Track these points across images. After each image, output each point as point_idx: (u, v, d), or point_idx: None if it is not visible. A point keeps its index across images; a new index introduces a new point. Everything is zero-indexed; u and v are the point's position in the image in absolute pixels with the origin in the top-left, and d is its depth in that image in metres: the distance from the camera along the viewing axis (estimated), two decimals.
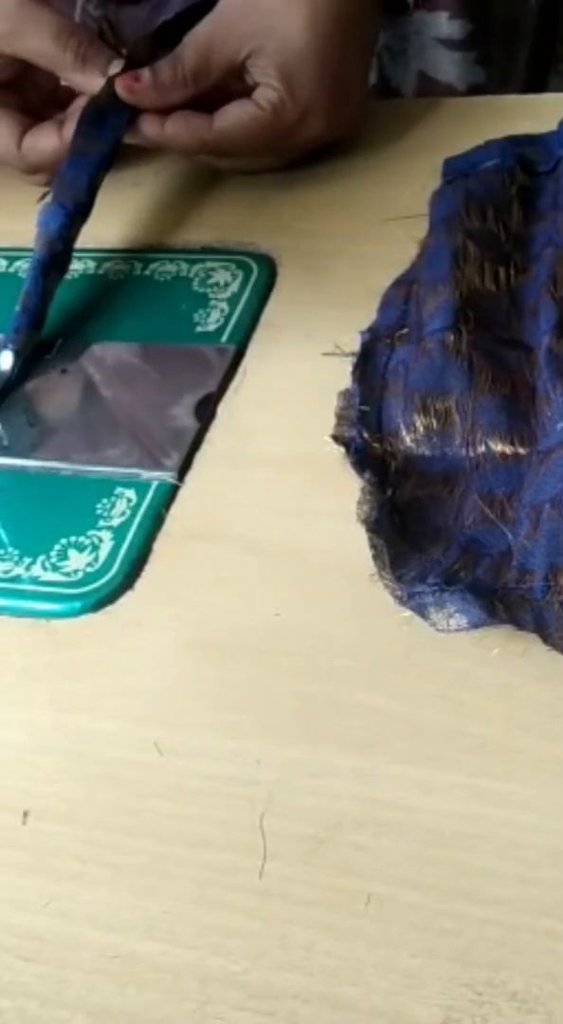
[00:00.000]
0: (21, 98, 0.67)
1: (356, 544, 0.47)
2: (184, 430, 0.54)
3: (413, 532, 0.47)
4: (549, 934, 0.37)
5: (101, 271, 0.64)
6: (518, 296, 0.55)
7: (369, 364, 0.54)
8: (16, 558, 0.50)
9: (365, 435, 0.51)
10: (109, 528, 0.51)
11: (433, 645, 0.44)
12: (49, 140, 0.64)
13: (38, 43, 0.63)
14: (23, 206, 0.67)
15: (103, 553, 0.50)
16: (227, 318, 0.60)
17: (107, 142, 0.63)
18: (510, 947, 0.36)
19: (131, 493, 0.52)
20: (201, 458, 0.53)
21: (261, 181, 0.66)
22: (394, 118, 0.70)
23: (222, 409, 0.55)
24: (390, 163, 0.66)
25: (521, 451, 0.48)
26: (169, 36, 0.63)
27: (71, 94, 0.66)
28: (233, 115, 0.62)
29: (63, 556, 0.50)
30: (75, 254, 0.62)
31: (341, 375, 0.54)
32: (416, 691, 0.43)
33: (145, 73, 0.62)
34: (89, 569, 0.49)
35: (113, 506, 0.51)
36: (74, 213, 0.61)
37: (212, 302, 0.61)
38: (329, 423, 0.52)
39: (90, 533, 0.51)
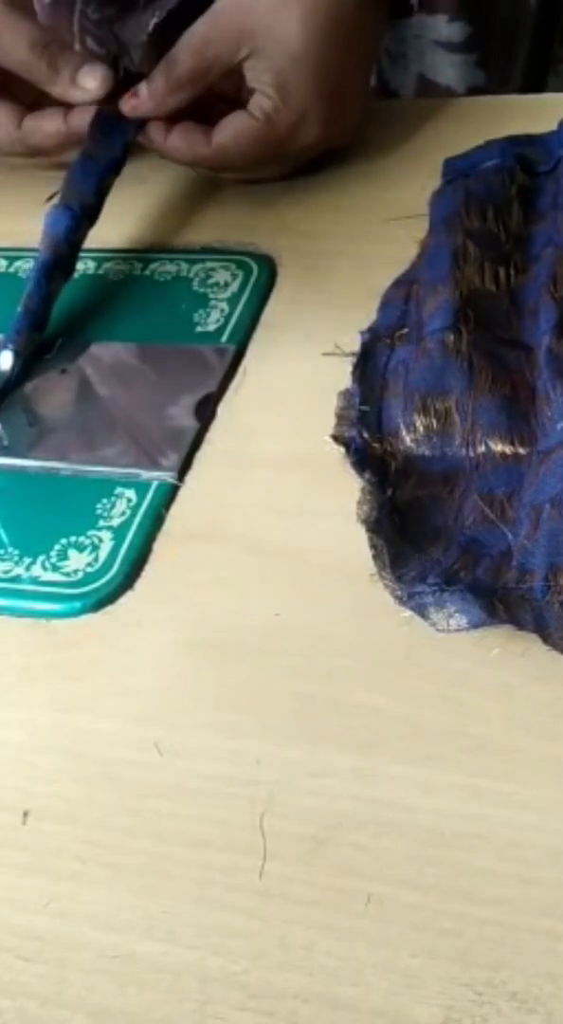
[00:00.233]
0: (15, 98, 0.67)
1: (356, 544, 0.47)
2: (184, 430, 0.54)
3: (413, 532, 0.47)
4: (549, 934, 0.37)
5: (101, 271, 0.64)
6: (518, 296, 0.55)
7: (369, 364, 0.54)
8: (16, 558, 0.50)
9: (365, 435, 0.51)
10: (109, 528, 0.51)
11: (433, 645, 0.44)
12: (52, 122, 0.64)
13: (15, 53, 0.63)
14: (23, 206, 0.67)
15: (103, 553, 0.50)
16: (227, 318, 0.60)
17: (117, 147, 0.63)
18: (510, 947, 0.36)
19: (131, 493, 0.52)
20: (201, 458, 0.53)
21: (261, 181, 0.66)
22: (394, 119, 0.70)
23: (222, 409, 0.55)
24: (390, 163, 0.66)
25: (521, 451, 0.48)
26: (165, 37, 0.63)
27: None
28: (230, 127, 0.62)
29: (63, 556, 0.50)
30: (78, 254, 0.62)
31: (341, 375, 0.54)
32: (416, 691, 0.43)
33: (142, 88, 0.63)
34: (89, 569, 0.49)
35: (113, 506, 0.51)
36: (81, 216, 0.61)
37: (212, 302, 0.61)
38: (329, 423, 0.52)
39: (90, 533, 0.51)
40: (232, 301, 0.61)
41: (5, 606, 0.49)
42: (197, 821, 0.41)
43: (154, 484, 0.52)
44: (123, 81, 0.64)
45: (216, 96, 0.64)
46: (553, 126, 0.62)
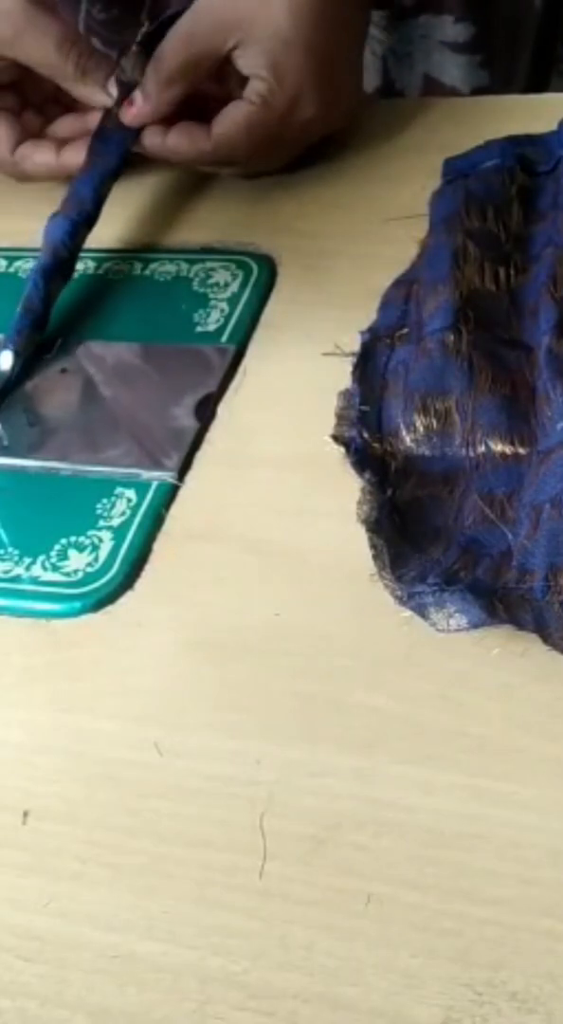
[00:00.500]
0: (23, 98, 0.67)
1: (356, 544, 0.47)
2: (184, 430, 0.54)
3: (413, 532, 0.47)
4: (549, 934, 0.37)
5: (101, 271, 0.64)
6: (518, 296, 0.55)
7: (369, 364, 0.54)
8: (16, 558, 0.50)
9: (365, 435, 0.51)
10: (109, 528, 0.51)
11: (433, 645, 0.44)
12: (44, 156, 0.65)
13: (40, 51, 0.63)
14: (23, 205, 0.67)
15: (103, 553, 0.50)
16: (227, 318, 0.60)
17: (114, 155, 0.63)
18: (510, 947, 0.36)
19: (131, 493, 0.52)
20: (201, 458, 0.53)
21: (261, 181, 0.66)
22: (394, 118, 0.70)
23: (222, 409, 0.55)
24: (390, 163, 0.66)
25: (521, 451, 0.48)
26: (154, 46, 0.63)
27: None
28: (228, 117, 0.62)
29: (63, 556, 0.50)
30: (78, 254, 0.62)
31: (341, 375, 0.54)
32: (416, 691, 0.43)
33: (136, 95, 0.63)
34: (89, 569, 0.49)
35: (113, 506, 0.51)
36: (79, 221, 0.61)
37: (212, 302, 0.61)
38: (329, 423, 0.52)
39: (90, 533, 0.51)
40: (232, 301, 0.61)
41: (5, 606, 0.49)
42: (197, 821, 0.41)
43: (154, 484, 0.52)
44: (119, 91, 0.64)
45: (205, 98, 0.64)
46: (553, 126, 0.62)
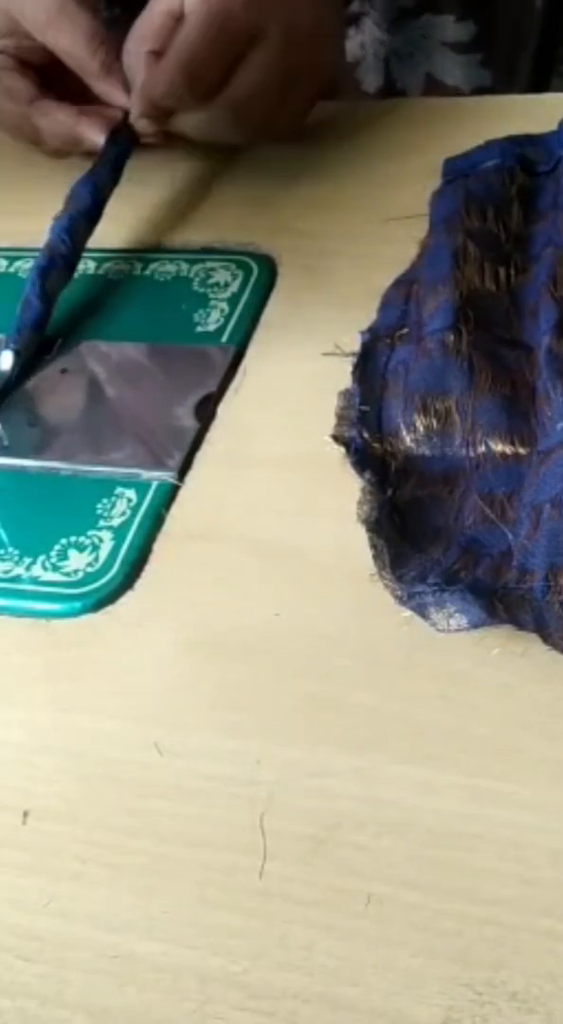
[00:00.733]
0: (47, 82, 0.66)
1: (356, 544, 0.47)
2: (184, 430, 0.54)
3: (413, 532, 0.47)
4: (549, 934, 0.37)
5: (101, 271, 0.64)
6: (518, 296, 0.55)
7: (369, 364, 0.54)
8: (16, 558, 0.50)
9: (365, 435, 0.51)
10: (109, 528, 0.51)
11: (433, 645, 0.44)
12: (63, 114, 0.65)
13: (70, 43, 0.63)
14: (24, 205, 0.67)
15: (103, 553, 0.50)
16: (227, 318, 0.60)
17: (116, 160, 0.64)
18: (510, 947, 0.36)
19: (131, 493, 0.52)
20: (201, 458, 0.53)
21: (261, 181, 0.67)
22: (394, 118, 0.70)
23: (222, 409, 0.55)
24: (390, 163, 0.66)
25: (521, 451, 0.48)
26: None
27: None
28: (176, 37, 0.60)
29: (63, 556, 0.50)
30: (80, 254, 0.62)
31: (341, 375, 0.54)
32: (416, 691, 0.43)
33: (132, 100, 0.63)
34: (89, 569, 0.49)
35: (113, 506, 0.52)
36: (76, 217, 0.61)
37: (212, 302, 0.61)
38: (329, 423, 0.52)
39: (90, 533, 0.51)
40: (232, 301, 0.61)
41: (5, 606, 0.49)
42: (197, 821, 0.41)
43: (154, 484, 0.52)
44: None
45: None
46: (553, 126, 0.62)
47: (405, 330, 0.55)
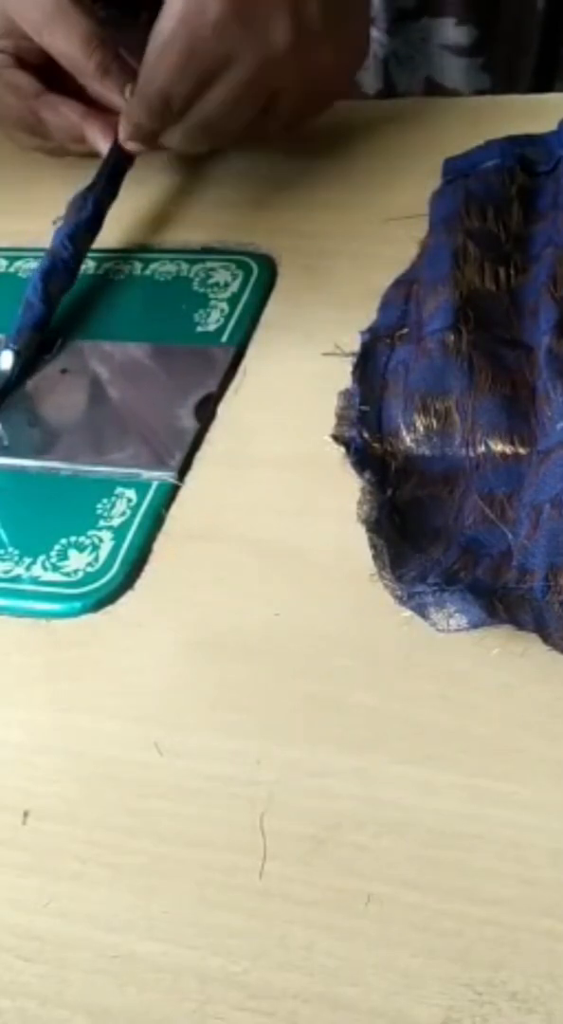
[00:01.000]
0: (57, 82, 0.66)
1: (356, 544, 0.47)
2: (184, 430, 0.54)
3: (413, 532, 0.47)
4: (549, 934, 0.37)
5: (101, 271, 0.64)
6: (518, 296, 0.55)
7: (369, 364, 0.54)
8: (16, 558, 0.50)
9: (365, 435, 0.51)
10: (109, 528, 0.51)
11: (433, 645, 0.44)
12: (71, 109, 0.64)
13: (65, 43, 0.63)
14: (24, 205, 0.67)
15: (103, 553, 0.50)
16: (227, 318, 0.60)
17: (115, 172, 0.64)
18: (510, 947, 0.36)
19: (131, 493, 0.52)
20: (201, 458, 0.53)
21: (261, 181, 0.67)
22: (395, 118, 0.70)
23: (222, 409, 0.55)
24: (390, 163, 0.66)
25: (521, 451, 0.48)
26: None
27: None
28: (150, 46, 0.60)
29: (63, 556, 0.50)
30: (82, 261, 0.62)
31: (341, 375, 0.54)
32: (416, 691, 0.43)
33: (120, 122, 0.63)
34: (89, 569, 0.49)
35: (113, 506, 0.52)
36: (80, 225, 0.62)
37: (212, 302, 0.61)
38: (329, 423, 0.52)
39: (90, 533, 0.51)
40: (232, 301, 0.61)
41: (5, 606, 0.49)
42: (197, 821, 0.41)
43: (154, 484, 0.52)
44: None
45: None
46: (553, 126, 0.62)
47: (405, 330, 0.55)
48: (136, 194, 0.67)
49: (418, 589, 0.44)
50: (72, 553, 0.50)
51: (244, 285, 0.61)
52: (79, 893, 0.40)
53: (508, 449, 0.49)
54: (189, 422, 0.55)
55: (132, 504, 0.51)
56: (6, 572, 0.50)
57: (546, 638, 0.42)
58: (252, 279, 0.62)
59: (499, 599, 0.43)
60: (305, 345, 0.57)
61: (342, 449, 0.51)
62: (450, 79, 0.81)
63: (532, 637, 0.43)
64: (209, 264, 0.63)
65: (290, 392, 0.55)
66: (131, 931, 0.39)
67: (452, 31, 0.79)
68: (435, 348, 0.52)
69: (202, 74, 0.60)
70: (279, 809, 0.41)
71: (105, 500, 0.52)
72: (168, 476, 0.52)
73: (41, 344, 0.60)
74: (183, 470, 0.53)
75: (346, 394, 0.53)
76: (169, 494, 0.52)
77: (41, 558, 0.50)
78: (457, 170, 0.62)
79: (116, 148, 0.64)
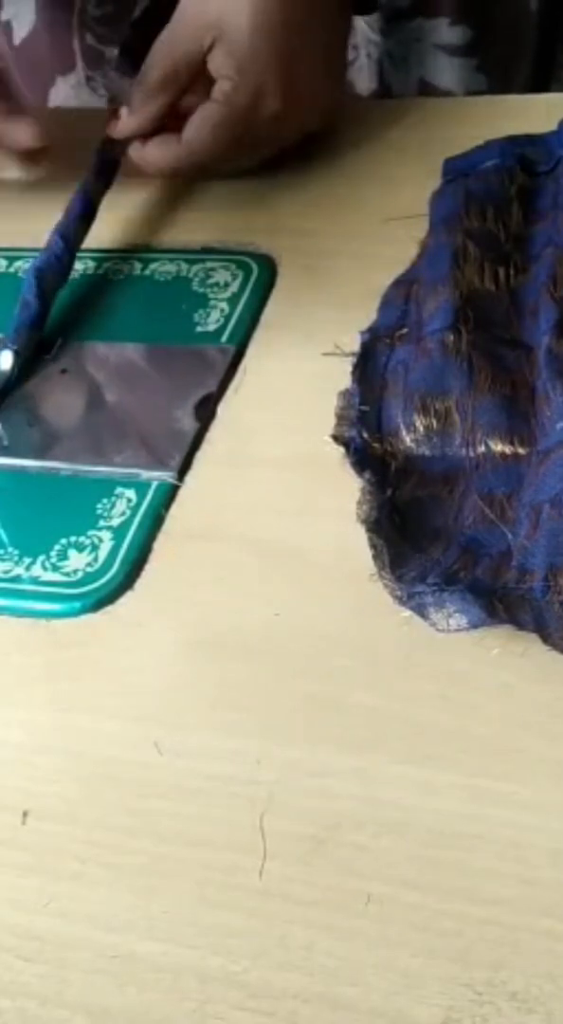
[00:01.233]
0: None
1: (356, 544, 0.47)
2: (184, 430, 0.54)
3: (413, 532, 0.47)
4: (549, 934, 0.37)
5: (101, 271, 0.64)
6: (518, 296, 0.55)
7: (369, 364, 0.54)
8: (16, 558, 0.50)
9: (365, 435, 0.51)
10: (109, 528, 0.51)
11: (433, 645, 0.44)
12: (26, 129, 0.65)
13: None
14: (23, 205, 0.67)
15: (103, 553, 0.50)
16: (227, 318, 0.60)
17: (105, 167, 0.65)
18: (510, 947, 0.36)
19: (131, 493, 0.52)
20: (201, 458, 0.53)
21: (261, 181, 0.67)
22: (394, 118, 0.70)
23: (222, 409, 0.55)
24: (390, 163, 0.66)
25: (521, 451, 0.48)
26: (142, 38, 0.64)
27: None
28: (195, 119, 0.63)
29: (63, 556, 0.50)
30: (75, 254, 0.62)
31: (341, 375, 0.54)
32: (416, 691, 0.43)
33: (123, 109, 0.64)
34: (89, 569, 0.49)
35: (113, 506, 0.52)
36: (71, 220, 0.62)
37: (212, 302, 0.61)
38: (329, 423, 0.52)
39: (90, 533, 0.51)
40: (232, 301, 0.61)
41: (5, 606, 0.49)
42: (197, 821, 0.41)
43: (154, 484, 0.52)
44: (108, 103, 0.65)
45: (188, 115, 0.64)
46: (553, 126, 0.62)
47: (405, 330, 0.55)
48: (136, 194, 0.67)
49: (418, 589, 0.44)
50: (72, 553, 0.50)
51: (244, 285, 0.61)
52: (79, 893, 0.40)
53: (508, 449, 0.49)
54: (189, 422, 0.55)
55: (132, 504, 0.51)
56: (6, 572, 0.50)
57: (546, 638, 0.42)
58: (252, 279, 0.62)
59: (499, 599, 0.43)
60: (305, 345, 0.57)
61: (342, 449, 0.51)
62: (444, 80, 0.81)
63: (532, 637, 0.43)
64: (209, 264, 0.63)
65: (290, 392, 0.55)
66: (131, 931, 0.39)
67: (446, 31, 0.79)
68: (435, 348, 0.52)
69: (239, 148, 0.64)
70: (279, 809, 0.41)
71: (105, 500, 0.52)
72: (168, 476, 0.52)
73: (41, 344, 0.60)
74: (183, 470, 0.53)
75: (346, 394, 0.53)
76: (169, 494, 0.52)
77: (41, 558, 0.50)
78: (457, 170, 0.62)
79: (107, 140, 0.65)
